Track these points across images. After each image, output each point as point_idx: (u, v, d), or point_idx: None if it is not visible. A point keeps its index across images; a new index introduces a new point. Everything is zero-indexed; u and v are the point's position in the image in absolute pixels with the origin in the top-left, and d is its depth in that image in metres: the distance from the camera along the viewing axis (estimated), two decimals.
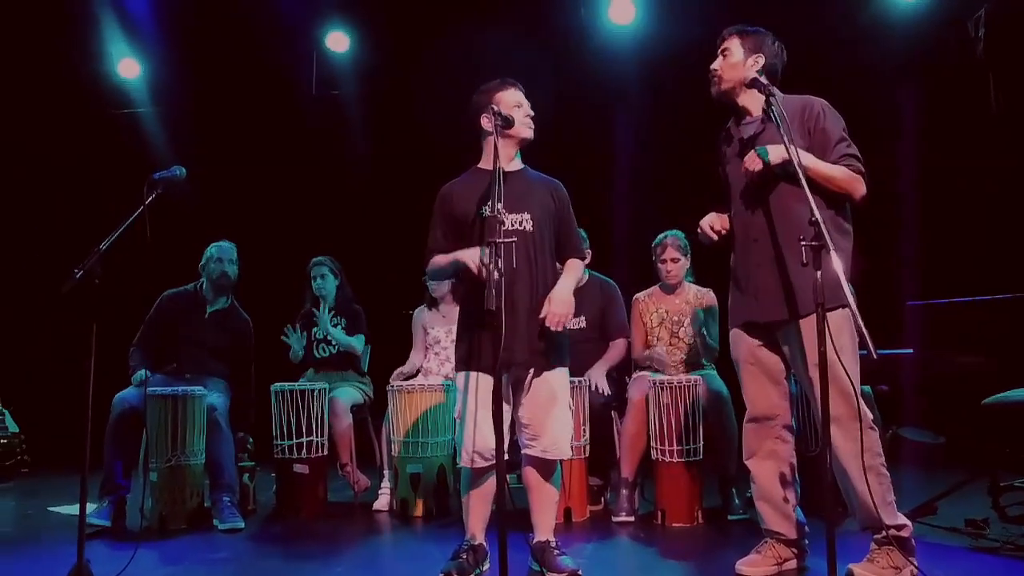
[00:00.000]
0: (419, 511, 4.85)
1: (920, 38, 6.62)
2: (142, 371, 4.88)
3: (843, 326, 3.16)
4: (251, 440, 5.24)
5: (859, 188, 3.26)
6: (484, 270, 3.23)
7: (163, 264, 5.13)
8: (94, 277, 3.26)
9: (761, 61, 3.43)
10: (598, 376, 4.90)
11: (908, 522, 3.24)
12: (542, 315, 3.37)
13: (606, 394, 4.89)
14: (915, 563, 3.19)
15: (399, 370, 5.37)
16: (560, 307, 3.38)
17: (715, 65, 3.53)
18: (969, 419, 4.47)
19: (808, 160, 3.19)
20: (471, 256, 3.34)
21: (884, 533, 3.19)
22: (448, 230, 3.56)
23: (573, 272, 3.59)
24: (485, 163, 3.58)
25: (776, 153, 3.19)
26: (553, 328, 3.38)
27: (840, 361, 3.06)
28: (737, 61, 3.46)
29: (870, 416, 3.19)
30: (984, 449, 4.58)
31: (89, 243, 3.31)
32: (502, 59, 5.32)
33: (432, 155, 5.29)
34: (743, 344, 3.49)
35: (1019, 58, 5.93)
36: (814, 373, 3.14)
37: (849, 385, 3.12)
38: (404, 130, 7.58)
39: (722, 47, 3.51)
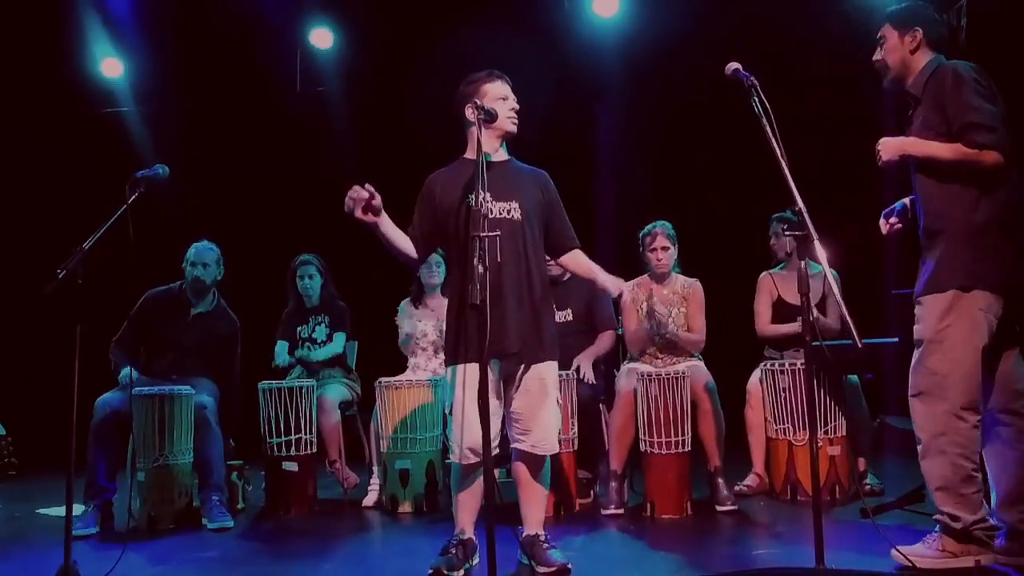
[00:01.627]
0: (408, 507, 4.85)
1: None
2: (127, 368, 4.82)
3: (945, 309, 3.14)
4: (232, 442, 5.22)
5: (981, 160, 3.09)
6: None
7: (147, 263, 5.10)
8: (77, 277, 3.24)
9: (919, 34, 3.33)
10: (586, 365, 4.91)
11: (968, 517, 3.12)
12: (610, 287, 3.56)
13: (591, 383, 4.90)
14: (981, 558, 3.13)
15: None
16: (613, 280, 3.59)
17: (876, 56, 3.45)
18: None
19: (918, 146, 3.21)
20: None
21: (937, 515, 3.19)
22: (428, 219, 3.58)
23: (588, 259, 3.71)
24: (471, 153, 3.59)
25: (888, 148, 3.22)
26: (614, 292, 3.59)
27: (926, 343, 3.15)
28: (894, 44, 3.38)
29: (961, 406, 3.12)
30: None
31: (73, 243, 3.29)
32: (486, 52, 5.30)
33: (418, 150, 5.27)
34: None
35: (1001, 47, 5.94)
36: None
37: (939, 366, 3.13)
38: (390, 125, 7.56)
39: (879, 35, 3.44)
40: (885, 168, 3.29)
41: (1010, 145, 3.13)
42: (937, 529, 3.20)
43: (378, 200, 3.36)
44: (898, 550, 3.19)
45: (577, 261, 3.71)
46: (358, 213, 3.35)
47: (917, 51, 3.35)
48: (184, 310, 5.13)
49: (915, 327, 3.24)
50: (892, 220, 3.50)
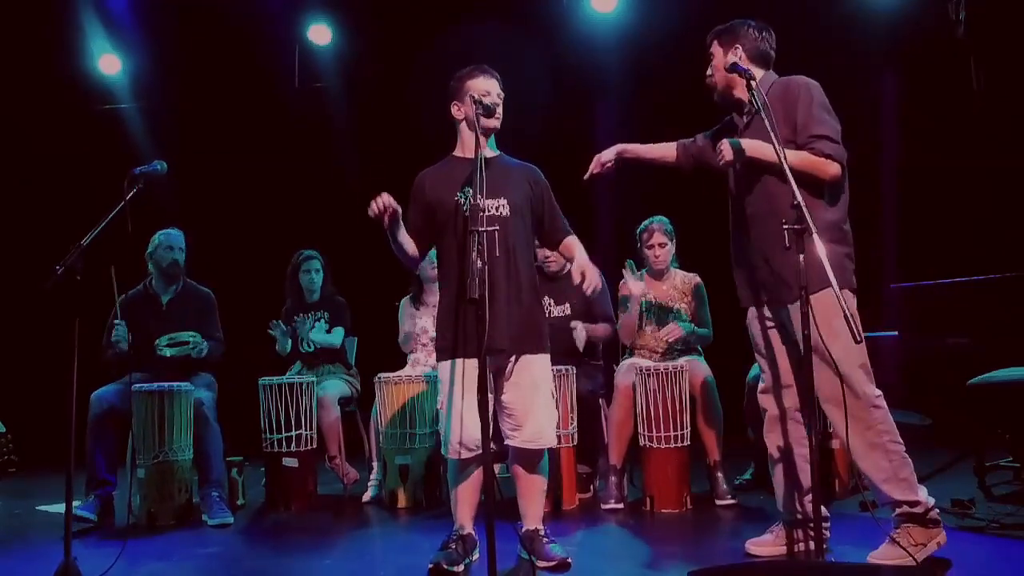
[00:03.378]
0: (408, 502, 4.85)
1: (901, 21, 6.63)
2: (121, 332, 4.77)
3: (832, 308, 3.13)
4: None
5: (825, 170, 3.22)
6: None
7: (144, 259, 5.11)
8: (75, 273, 3.25)
9: (739, 51, 3.45)
10: (581, 329, 4.88)
11: (924, 499, 3.20)
12: (584, 284, 3.43)
13: (582, 339, 4.88)
14: (940, 539, 3.20)
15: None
16: (595, 273, 3.47)
17: (708, 72, 3.55)
18: (955, 400, 4.49)
19: (762, 150, 3.24)
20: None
21: (895, 509, 3.21)
22: (420, 216, 3.57)
23: (579, 246, 3.65)
24: (459, 150, 3.59)
25: (750, 147, 3.25)
26: (589, 292, 3.47)
27: (825, 343, 3.10)
28: (719, 62, 3.49)
29: (874, 395, 3.22)
30: (970, 430, 4.61)
31: (71, 239, 3.29)
32: (485, 47, 5.32)
33: (417, 146, 5.27)
34: (753, 323, 3.54)
35: (1000, 40, 5.94)
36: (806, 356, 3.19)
37: (842, 366, 3.16)
38: (388, 121, 7.55)
39: (709, 52, 3.55)
40: (723, 168, 3.40)
41: (847, 161, 3.26)
42: (895, 526, 3.22)
43: (399, 212, 3.39)
44: (872, 557, 3.20)
45: (567, 246, 3.70)
46: (385, 221, 3.36)
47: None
48: (155, 303, 5.12)
49: (800, 336, 3.13)
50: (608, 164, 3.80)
